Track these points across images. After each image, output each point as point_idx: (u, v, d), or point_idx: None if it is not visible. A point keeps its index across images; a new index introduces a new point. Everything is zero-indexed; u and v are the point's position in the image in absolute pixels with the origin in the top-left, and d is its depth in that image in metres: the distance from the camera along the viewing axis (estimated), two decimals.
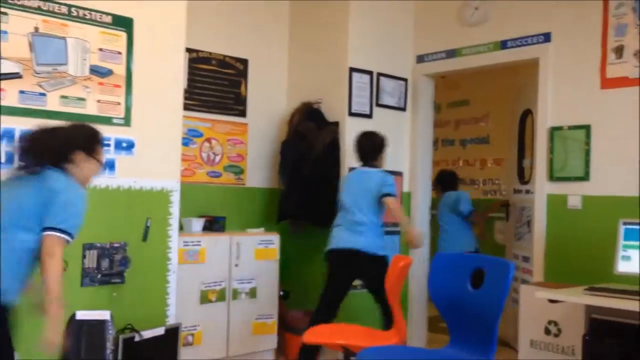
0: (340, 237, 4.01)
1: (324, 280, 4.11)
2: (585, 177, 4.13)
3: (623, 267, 3.35)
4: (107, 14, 3.53)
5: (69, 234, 2.34)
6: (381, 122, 5.01)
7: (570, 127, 4.23)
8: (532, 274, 4.44)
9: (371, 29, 4.97)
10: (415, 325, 5.15)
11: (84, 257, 3.42)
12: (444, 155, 7.40)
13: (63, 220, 2.32)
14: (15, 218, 2.31)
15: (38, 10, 3.30)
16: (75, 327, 3.31)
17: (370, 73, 4.93)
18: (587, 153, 4.12)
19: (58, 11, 3.36)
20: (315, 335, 3.46)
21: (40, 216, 2.31)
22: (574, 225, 4.17)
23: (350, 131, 4.79)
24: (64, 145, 2.46)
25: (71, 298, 3.34)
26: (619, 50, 4.01)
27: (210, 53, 4.81)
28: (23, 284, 2.35)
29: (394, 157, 5.12)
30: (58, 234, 2.30)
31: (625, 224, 3.40)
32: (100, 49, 3.51)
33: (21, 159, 2.45)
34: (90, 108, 3.47)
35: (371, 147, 4.14)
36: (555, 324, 3.77)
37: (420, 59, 5.20)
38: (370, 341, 3.13)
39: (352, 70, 4.81)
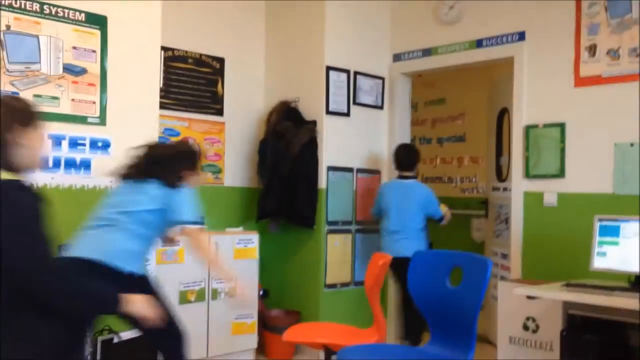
0: (390, 247, 4.45)
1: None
2: (560, 175, 4.18)
3: (599, 263, 3.39)
4: (81, 11, 3.47)
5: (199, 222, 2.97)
6: (358, 121, 5.02)
7: (545, 125, 4.27)
8: (510, 271, 4.49)
9: (348, 27, 4.97)
10: (396, 323, 5.16)
11: None
12: (421, 154, 7.42)
13: (193, 214, 2.90)
14: (127, 214, 2.80)
15: (9, 7, 3.24)
16: None
17: (347, 72, 4.93)
18: (562, 151, 4.17)
19: (30, 8, 3.30)
20: (295, 334, 3.44)
21: (155, 214, 2.83)
22: (550, 222, 4.21)
23: (328, 130, 4.79)
24: (176, 168, 2.94)
25: None
26: (592, 49, 4.06)
27: (186, 52, 4.77)
28: (140, 263, 2.88)
29: (372, 155, 5.14)
30: (195, 225, 2.89)
31: (600, 220, 3.44)
32: (74, 47, 3.45)
33: (132, 170, 2.93)
34: (64, 107, 3.41)
35: (409, 158, 4.67)
36: (533, 320, 3.81)
37: (397, 57, 5.22)
38: (350, 339, 3.13)
39: (329, 68, 4.81)
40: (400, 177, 4.65)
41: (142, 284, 2.85)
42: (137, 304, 2.23)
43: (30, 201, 2.00)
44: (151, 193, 2.83)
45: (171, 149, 3.13)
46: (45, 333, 2.01)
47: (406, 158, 4.66)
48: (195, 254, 2.97)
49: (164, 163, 2.93)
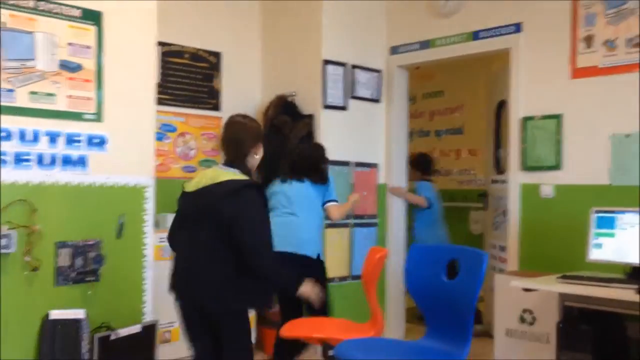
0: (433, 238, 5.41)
1: None
2: (557, 166, 4.18)
3: (595, 254, 3.40)
4: (76, 7, 3.46)
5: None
6: (356, 114, 5.02)
7: (542, 117, 4.27)
8: (508, 263, 4.49)
9: (344, 20, 4.96)
10: (394, 317, 5.18)
11: (57, 255, 3.37)
12: (419, 146, 7.40)
13: (334, 195, 4.02)
14: (308, 204, 3.89)
15: (4, 4, 3.23)
16: (49, 327, 3.27)
17: (344, 65, 4.92)
18: (559, 142, 4.17)
19: (25, 5, 3.29)
20: (293, 329, 3.45)
21: (320, 199, 3.95)
22: (547, 214, 4.22)
23: (325, 123, 4.79)
24: (323, 162, 4.07)
25: (44, 297, 3.30)
26: (589, 40, 4.05)
27: (183, 46, 4.76)
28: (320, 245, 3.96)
29: (369, 149, 5.13)
30: (335, 202, 4.01)
31: (596, 212, 3.44)
32: (70, 44, 3.44)
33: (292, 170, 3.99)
34: (61, 104, 3.41)
35: (431, 164, 5.73)
36: (530, 312, 3.82)
37: (394, 50, 5.21)
38: (348, 334, 3.13)
39: (326, 62, 4.80)
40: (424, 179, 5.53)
41: (320, 267, 3.91)
42: (306, 289, 2.90)
43: (255, 196, 2.72)
44: (315, 187, 3.93)
45: (318, 151, 4.12)
46: (261, 289, 2.82)
47: (430, 163, 5.65)
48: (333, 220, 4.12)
49: (319, 162, 4.04)
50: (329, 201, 3.99)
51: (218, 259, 2.67)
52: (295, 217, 3.86)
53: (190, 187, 2.80)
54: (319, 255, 3.89)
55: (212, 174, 2.76)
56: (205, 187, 2.71)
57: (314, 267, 3.80)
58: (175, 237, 2.90)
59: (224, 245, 2.64)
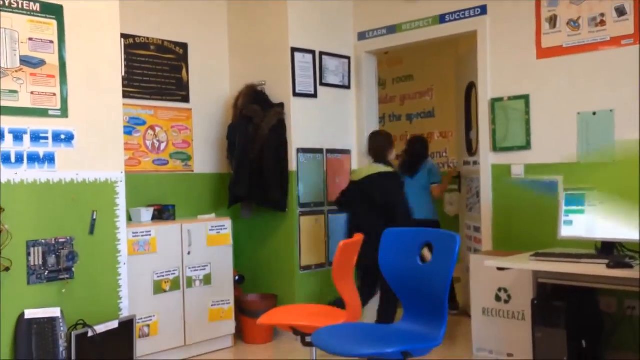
0: None
1: None
2: (527, 146, 4.23)
3: (566, 231, 3.46)
4: (35, 1, 3.39)
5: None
6: (326, 101, 5.01)
7: (510, 98, 4.31)
8: (482, 244, 4.54)
9: (311, 8, 4.93)
10: (373, 300, 5.20)
11: (28, 254, 3.32)
12: (392, 131, 7.38)
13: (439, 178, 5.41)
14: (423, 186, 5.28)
15: None
16: (25, 327, 3.23)
17: (312, 52, 4.90)
18: (528, 122, 4.22)
19: None
20: (271, 317, 3.44)
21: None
22: (519, 193, 4.27)
23: (295, 111, 4.78)
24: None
25: (18, 297, 3.26)
26: (553, 20, 4.09)
27: (148, 38, 4.69)
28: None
29: (341, 135, 5.14)
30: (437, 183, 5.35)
31: (565, 190, 3.50)
32: (30, 39, 3.37)
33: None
34: (24, 100, 3.34)
35: None
36: (505, 290, 3.87)
37: (362, 36, 5.20)
38: (323, 321, 3.13)
39: (294, 50, 4.77)
40: None
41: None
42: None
43: (398, 179, 4.27)
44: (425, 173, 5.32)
45: (422, 143, 5.62)
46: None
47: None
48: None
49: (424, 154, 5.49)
50: (435, 183, 5.33)
51: (379, 217, 4.06)
52: (420, 196, 5.25)
53: (360, 176, 4.28)
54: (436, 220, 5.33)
55: (374, 168, 4.23)
56: (372, 175, 4.18)
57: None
58: (351, 206, 4.35)
59: (382, 209, 4.09)
